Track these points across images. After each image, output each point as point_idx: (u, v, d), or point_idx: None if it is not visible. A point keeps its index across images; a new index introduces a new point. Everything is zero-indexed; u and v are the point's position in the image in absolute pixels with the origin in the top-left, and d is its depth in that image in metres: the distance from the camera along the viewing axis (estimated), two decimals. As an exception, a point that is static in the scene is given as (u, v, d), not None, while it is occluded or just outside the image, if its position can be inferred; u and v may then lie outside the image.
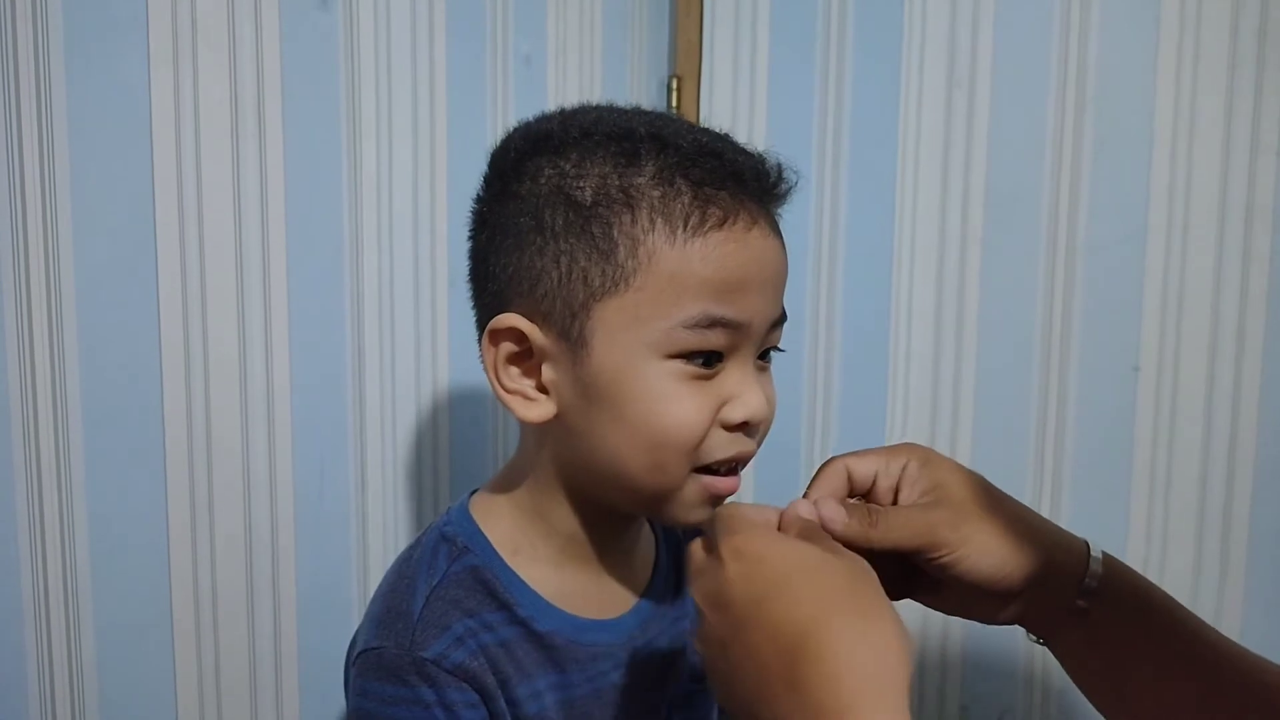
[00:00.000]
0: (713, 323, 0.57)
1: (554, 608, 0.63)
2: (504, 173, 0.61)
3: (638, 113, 0.61)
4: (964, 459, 1.00)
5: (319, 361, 0.86)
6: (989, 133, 0.96)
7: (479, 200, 0.64)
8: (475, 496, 0.67)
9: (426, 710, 0.57)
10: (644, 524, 0.70)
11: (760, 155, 0.61)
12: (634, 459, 0.58)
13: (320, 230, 0.85)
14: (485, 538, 0.63)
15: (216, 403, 0.80)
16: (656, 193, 0.57)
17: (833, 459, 0.60)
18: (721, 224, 0.57)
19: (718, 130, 0.62)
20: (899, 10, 0.98)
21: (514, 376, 0.60)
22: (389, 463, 0.91)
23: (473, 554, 0.62)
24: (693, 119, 1.03)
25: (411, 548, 0.65)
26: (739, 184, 0.58)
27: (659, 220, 0.56)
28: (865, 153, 1.00)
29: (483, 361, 0.61)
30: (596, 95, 1.01)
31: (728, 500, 0.61)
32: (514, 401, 0.60)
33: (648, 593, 0.68)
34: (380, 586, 0.65)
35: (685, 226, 0.56)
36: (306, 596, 0.87)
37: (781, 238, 0.61)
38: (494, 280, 0.61)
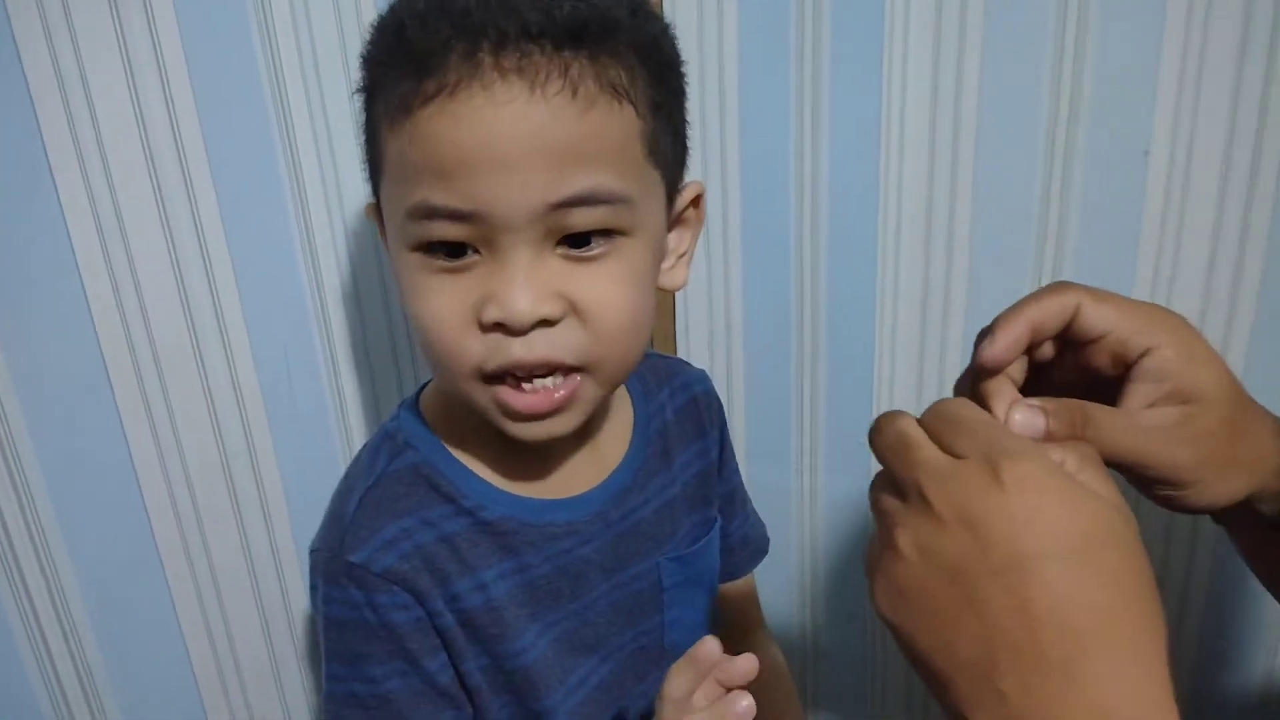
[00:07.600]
0: (431, 212, 0.51)
1: (504, 493, 0.62)
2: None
3: None
4: (957, 320, 0.95)
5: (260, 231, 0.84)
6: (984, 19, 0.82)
7: None
8: (430, 384, 0.66)
9: (356, 610, 0.58)
10: (610, 399, 0.66)
11: None
12: (428, 357, 0.56)
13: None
14: (429, 430, 0.62)
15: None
16: (382, 69, 0.53)
17: (1065, 286, 0.48)
18: (432, 97, 0.49)
19: None
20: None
21: None
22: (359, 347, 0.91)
23: (414, 450, 0.61)
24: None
25: (366, 444, 0.65)
26: (474, 38, 0.48)
27: (381, 101, 0.53)
28: (849, 26, 0.84)
29: None
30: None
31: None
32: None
33: (622, 467, 0.67)
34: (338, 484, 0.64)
35: (400, 104, 0.50)
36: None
37: (565, 97, 0.49)
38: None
